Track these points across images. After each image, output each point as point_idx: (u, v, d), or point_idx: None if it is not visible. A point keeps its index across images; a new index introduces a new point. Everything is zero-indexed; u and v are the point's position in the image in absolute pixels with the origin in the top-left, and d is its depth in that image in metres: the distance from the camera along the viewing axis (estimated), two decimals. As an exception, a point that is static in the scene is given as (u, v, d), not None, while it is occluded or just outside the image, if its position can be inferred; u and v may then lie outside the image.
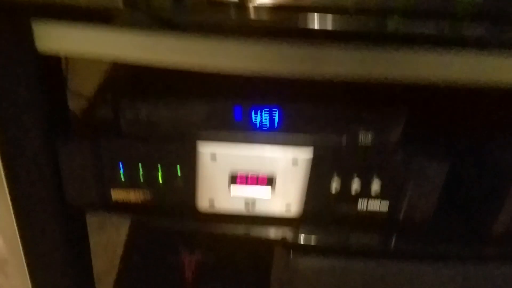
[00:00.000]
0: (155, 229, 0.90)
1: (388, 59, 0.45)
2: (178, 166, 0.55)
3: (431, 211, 0.57)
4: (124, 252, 0.88)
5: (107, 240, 1.07)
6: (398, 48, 0.44)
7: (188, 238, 0.86)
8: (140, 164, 0.54)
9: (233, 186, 0.56)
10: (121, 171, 0.55)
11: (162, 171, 0.55)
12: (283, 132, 0.54)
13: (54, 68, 0.55)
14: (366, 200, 0.57)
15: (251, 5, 0.45)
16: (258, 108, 0.53)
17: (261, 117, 0.53)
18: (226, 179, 0.56)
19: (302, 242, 0.58)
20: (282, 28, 0.45)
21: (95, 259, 1.01)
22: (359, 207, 0.58)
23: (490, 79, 0.45)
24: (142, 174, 0.55)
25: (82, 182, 0.55)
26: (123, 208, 0.58)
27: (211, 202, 0.57)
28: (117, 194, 0.56)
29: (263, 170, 0.55)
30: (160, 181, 0.56)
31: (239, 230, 0.59)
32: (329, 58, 0.45)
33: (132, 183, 0.56)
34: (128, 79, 0.56)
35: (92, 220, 1.10)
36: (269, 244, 0.61)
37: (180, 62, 0.45)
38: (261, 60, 0.45)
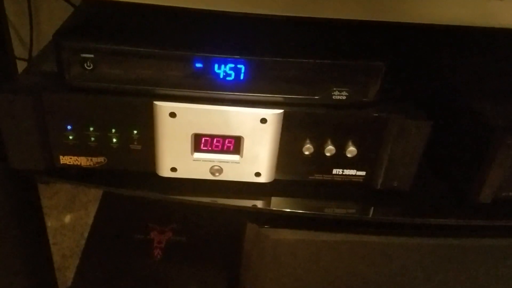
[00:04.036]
0: (123, 206, 0.85)
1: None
2: (134, 126, 0.50)
3: (411, 177, 0.53)
4: (90, 232, 0.84)
5: (75, 221, 1.03)
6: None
7: (157, 214, 0.83)
8: (90, 124, 0.49)
9: (196, 149, 0.51)
10: (69, 132, 0.49)
11: (116, 132, 0.50)
12: (250, 91, 0.49)
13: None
14: (341, 164, 0.53)
15: None
16: (222, 62, 0.48)
17: (226, 73, 0.48)
18: (188, 141, 0.51)
19: (273, 210, 0.54)
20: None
21: (62, 240, 0.97)
22: (334, 171, 0.54)
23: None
24: (93, 136, 0.50)
25: (25, 144, 0.49)
26: (72, 174, 0.52)
27: (173, 167, 0.52)
28: (65, 158, 0.50)
29: (229, 131, 0.50)
30: (114, 143, 0.51)
31: (205, 198, 0.54)
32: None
33: (81, 145, 0.50)
34: (77, 27, 0.50)
35: (59, 200, 1.07)
36: (239, 214, 0.57)
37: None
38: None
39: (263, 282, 0.60)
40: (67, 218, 1.03)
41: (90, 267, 0.76)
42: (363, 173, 0.54)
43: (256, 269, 0.59)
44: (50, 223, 1.01)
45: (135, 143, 0.51)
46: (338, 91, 0.49)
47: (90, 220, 0.98)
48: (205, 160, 0.52)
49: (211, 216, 0.82)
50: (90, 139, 0.50)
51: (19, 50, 1.02)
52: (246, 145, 0.51)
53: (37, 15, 1.03)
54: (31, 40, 1.02)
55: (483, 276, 0.59)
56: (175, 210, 0.84)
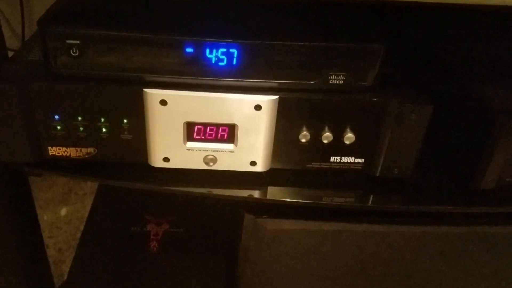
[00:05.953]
0: (119, 198, 0.84)
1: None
2: (124, 115, 0.48)
3: (412, 164, 0.52)
4: (86, 225, 0.82)
5: (71, 214, 1.01)
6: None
7: (153, 206, 0.82)
8: (78, 114, 0.47)
9: (189, 138, 0.50)
10: (57, 122, 0.48)
11: (105, 122, 0.48)
12: (243, 76, 0.47)
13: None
14: (339, 152, 0.51)
15: None
16: (214, 47, 0.46)
17: (218, 58, 0.46)
18: (180, 129, 0.49)
19: (270, 200, 0.53)
20: None
21: (58, 234, 0.96)
22: (332, 159, 0.52)
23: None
24: (82, 125, 0.48)
25: (11, 135, 0.48)
26: (62, 166, 0.51)
27: (166, 157, 0.51)
28: (54, 150, 0.49)
29: (223, 119, 0.49)
30: (104, 133, 0.49)
31: (200, 189, 0.53)
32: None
33: (70, 136, 0.49)
34: (62, 12, 0.48)
35: (55, 193, 1.05)
36: (236, 204, 0.55)
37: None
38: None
39: (261, 273, 0.59)
40: (63, 211, 1.02)
41: (86, 260, 0.75)
42: (361, 160, 0.52)
43: (254, 260, 0.58)
44: (46, 216, 1.00)
45: (126, 132, 0.49)
46: (335, 75, 0.47)
47: (86, 213, 0.97)
48: (198, 150, 0.51)
49: (208, 207, 0.81)
50: (79, 129, 0.49)
51: (11, 41, 1.00)
52: (241, 133, 0.50)
53: (29, 5, 1.01)
54: (23, 30, 1.01)
55: (486, 263, 0.58)
56: (172, 202, 0.83)
